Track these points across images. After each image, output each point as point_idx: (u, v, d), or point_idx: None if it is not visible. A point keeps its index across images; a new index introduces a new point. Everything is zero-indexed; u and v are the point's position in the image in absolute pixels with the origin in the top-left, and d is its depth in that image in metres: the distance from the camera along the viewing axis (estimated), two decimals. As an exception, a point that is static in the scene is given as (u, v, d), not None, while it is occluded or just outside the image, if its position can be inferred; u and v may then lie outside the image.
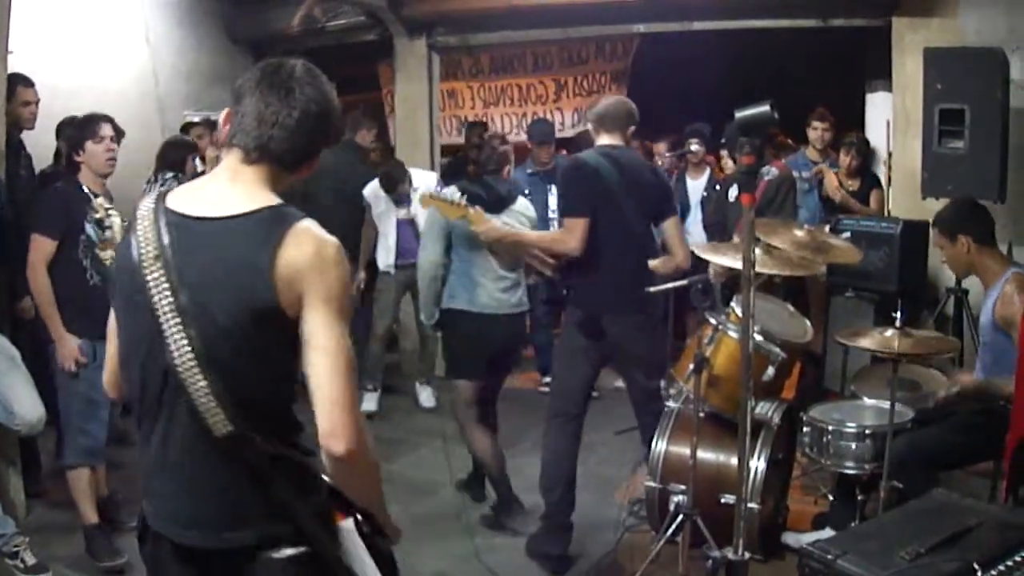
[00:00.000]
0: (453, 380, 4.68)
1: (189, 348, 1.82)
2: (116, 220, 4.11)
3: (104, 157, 4.12)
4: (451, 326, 4.61)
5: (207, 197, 1.95)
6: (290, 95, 1.95)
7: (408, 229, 6.43)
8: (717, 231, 6.55)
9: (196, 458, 1.91)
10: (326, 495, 2.01)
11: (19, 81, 4.90)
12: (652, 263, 4.12)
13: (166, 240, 1.87)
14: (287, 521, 1.92)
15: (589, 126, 4.41)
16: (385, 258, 6.52)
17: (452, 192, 4.42)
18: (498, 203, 4.48)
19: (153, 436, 1.95)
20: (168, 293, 1.84)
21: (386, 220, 6.48)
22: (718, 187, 6.95)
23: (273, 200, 1.94)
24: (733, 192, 6.25)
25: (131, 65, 7.22)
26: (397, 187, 6.32)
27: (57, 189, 4.24)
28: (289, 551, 1.92)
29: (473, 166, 4.77)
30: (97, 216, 4.06)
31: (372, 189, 6.47)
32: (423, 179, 6.53)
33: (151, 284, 1.85)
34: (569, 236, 4.00)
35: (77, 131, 4.17)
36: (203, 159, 6.19)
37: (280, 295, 1.84)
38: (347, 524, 2.02)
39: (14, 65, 4.71)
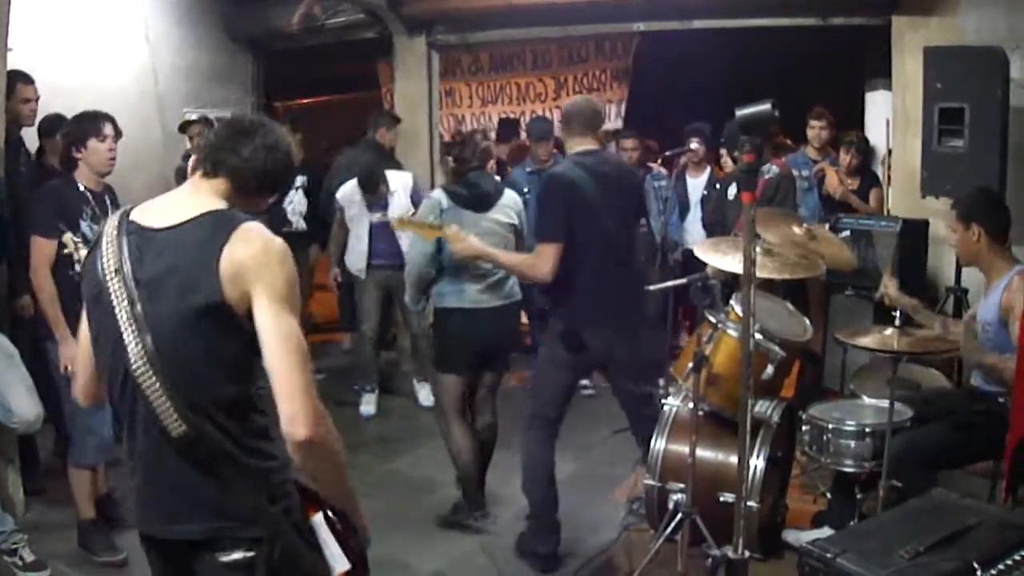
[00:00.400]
0: (440, 374, 4.63)
1: (143, 352, 1.96)
2: (81, 253, 3.94)
3: (107, 156, 4.08)
4: (442, 323, 4.57)
5: (165, 209, 2.12)
6: (249, 131, 2.17)
7: (383, 233, 6.31)
8: (717, 229, 6.54)
9: (155, 454, 2.03)
10: (295, 497, 2.12)
11: (19, 78, 4.89)
12: None
13: (125, 253, 2.03)
14: (245, 521, 2.01)
15: (559, 132, 4.29)
16: (356, 262, 6.38)
17: (429, 211, 4.36)
18: (483, 201, 4.43)
19: (124, 432, 2.11)
20: (126, 303, 1.99)
21: (359, 223, 6.37)
22: (718, 186, 6.95)
23: (221, 206, 2.10)
24: (732, 191, 6.24)
25: (131, 63, 7.22)
26: (378, 187, 6.25)
27: (52, 188, 4.17)
28: (237, 555, 2.02)
29: (455, 163, 4.71)
30: (66, 251, 3.95)
31: (347, 191, 6.38)
32: (398, 180, 6.45)
33: (112, 295, 2.00)
34: (541, 262, 3.94)
35: (79, 127, 4.09)
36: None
37: (225, 290, 1.96)
38: (316, 518, 2.15)
39: (14, 63, 4.71)
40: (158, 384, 1.94)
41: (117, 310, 1.98)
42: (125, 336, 1.97)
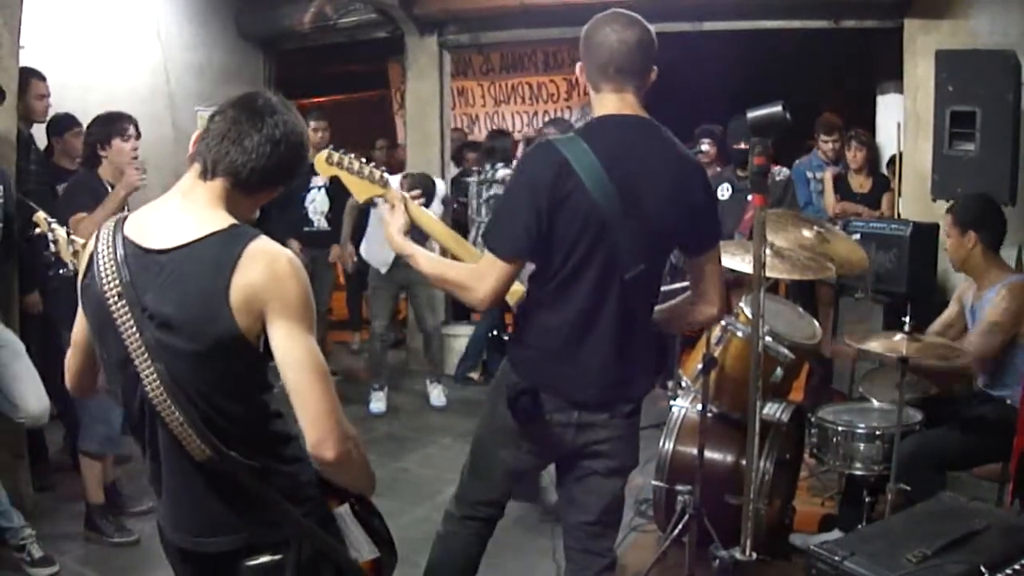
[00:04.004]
0: None
1: (158, 382, 1.87)
2: (61, 233, 3.58)
3: (132, 154, 4.30)
4: None
5: (161, 224, 1.97)
6: (257, 117, 1.98)
7: (413, 235, 6.28)
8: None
9: (178, 473, 1.98)
10: (318, 494, 2.08)
11: (32, 75, 4.93)
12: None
13: (127, 277, 1.91)
14: (272, 526, 1.99)
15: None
16: (379, 255, 6.25)
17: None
18: None
19: (144, 449, 2.04)
20: (134, 330, 1.88)
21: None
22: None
23: (223, 221, 1.95)
24: (723, 191, 6.04)
25: (142, 61, 7.24)
26: (433, 193, 6.13)
27: (82, 177, 4.34)
28: (264, 559, 1.99)
29: None
30: (39, 231, 3.62)
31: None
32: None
33: (117, 320, 1.90)
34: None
35: (103, 127, 4.29)
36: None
37: (239, 321, 1.87)
38: (342, 509, 2.12)
39: (25, 60, 4.74)
40: (178, 413, 1.87)
41: (126, 339, 1.89)
42: (138, 364, 1.88)
